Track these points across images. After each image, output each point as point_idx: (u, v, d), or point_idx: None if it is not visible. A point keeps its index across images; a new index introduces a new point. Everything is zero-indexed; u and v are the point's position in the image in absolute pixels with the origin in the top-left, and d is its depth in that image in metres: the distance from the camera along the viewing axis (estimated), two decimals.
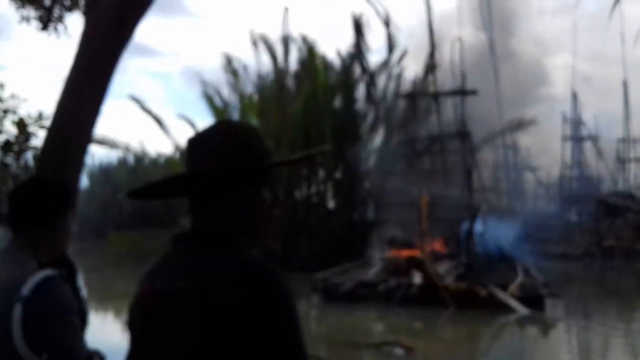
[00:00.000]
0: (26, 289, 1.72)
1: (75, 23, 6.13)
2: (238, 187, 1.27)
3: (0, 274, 1.89)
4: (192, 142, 1.31)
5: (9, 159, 4.15)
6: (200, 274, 1.17)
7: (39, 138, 4.12)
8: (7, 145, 4.12)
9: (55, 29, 6.20)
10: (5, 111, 4.25)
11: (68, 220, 1.95)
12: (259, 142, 1.31)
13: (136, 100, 19.88)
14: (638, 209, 30.74)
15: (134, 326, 1.29)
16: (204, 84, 22.91)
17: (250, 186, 1.28)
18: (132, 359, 1.27)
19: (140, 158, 35.38)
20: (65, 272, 1.85)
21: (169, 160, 27.19)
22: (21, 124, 4.11)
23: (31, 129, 4.17)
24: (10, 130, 4.35)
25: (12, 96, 4.63)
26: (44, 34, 6.03)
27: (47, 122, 4.08)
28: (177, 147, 23.94)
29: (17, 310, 1.68)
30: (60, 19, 5.90)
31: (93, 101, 4.15)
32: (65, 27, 6.24)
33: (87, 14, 4.39)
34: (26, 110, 4.30)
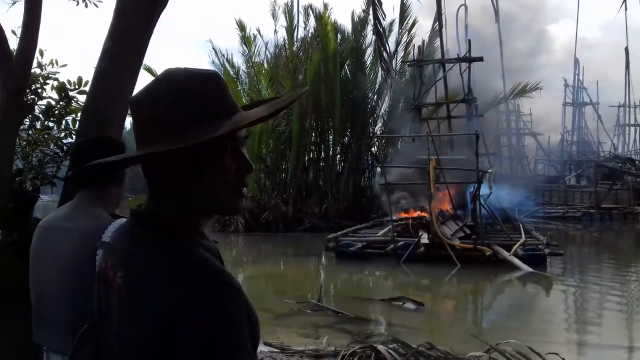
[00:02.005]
0: (107, 235, 1.81)
1: None
2: (194, 159, 1.03)
3: (78, 225, 2.06)
4: (132, 104, 1.07)
5: (51, 124, 4.16)
6: (136, 270, 1.02)
7: (80, 103, 4.11)
8: (49, 110, 4.14)
9: None
10: (47, 77, 4.26)
11: (126, 178, 2.19)
12: (219, 95, 1.05)
13: (148, 69, 20.15)
14: (636, 172, 31.32)
15: (95, 293, 1.17)
16: (215, 51, 23.21)
17: (211, 156, 1.03)
18: (94, 330, 1.16)
19: None
20: None
21: None
22: (62, 89, 4.09)
23: (71, 94, 4.14)
24: (52, 95, 4.37)
25: (52, 62, 4.75)
26: (72, 3, 6.24)
27: (87, 88, 4.10)
28: None
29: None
30: None
31: (130, 66, 4.16)
32: None
33: None
34: (67, 75, 4.20)
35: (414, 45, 22.16)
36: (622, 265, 15.71)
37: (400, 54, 22.76)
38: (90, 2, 6.28)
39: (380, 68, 21.07)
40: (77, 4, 6.19)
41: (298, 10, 23.50)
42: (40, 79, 4.23)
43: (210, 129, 0.99)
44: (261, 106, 1.11)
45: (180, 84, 1.03)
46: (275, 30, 23.55)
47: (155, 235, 1.05)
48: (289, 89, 22.11)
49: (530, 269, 12.62)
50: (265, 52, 23.58)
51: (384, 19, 5.96)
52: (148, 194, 1.10)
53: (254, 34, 23.15)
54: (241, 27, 22.76)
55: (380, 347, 5.65)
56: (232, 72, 23.23)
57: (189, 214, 1.07)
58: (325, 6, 22.34)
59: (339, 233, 16.02)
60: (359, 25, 22.69)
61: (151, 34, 4.44)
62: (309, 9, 23.27)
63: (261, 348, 6.72)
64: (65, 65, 4.27)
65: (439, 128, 18.65)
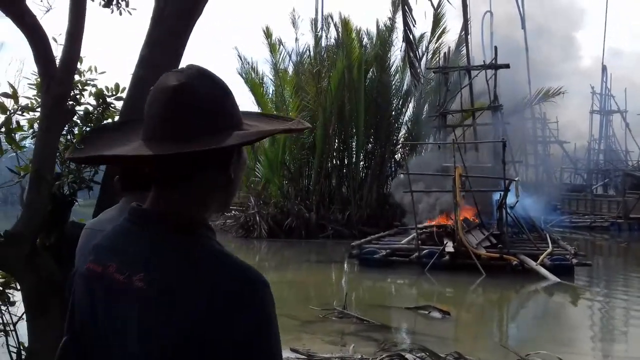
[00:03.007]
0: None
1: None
2: (224, 161, 1.07)
3: None
4: (176, 93, 1.03)
5: (89, 129, 4.13)
6: (166, 271, 1.00)
7: (116, 109, 4.16)
8: (87, 115, 4.16)
9: (118, 5, 6.48)
10: (85, 83, 4.26)
11: None
12: (237, 105, 1.10)
13: None
14: None
15: (78, 299, 1.12)
16: (241, 58, 23.44)
17: (230, 160, 1.07)
18: (75, 330, 1.12)
19: None
20: None
21: None
22: (99, 96, 4.12)
23: (108, 100, 4.16)
24: (89, 101, 4.39)
25: (91, 69, 4.82)
26: (107, 11, 6.34)
27: (123, 94, 4.14)
28: None
29: None
30: None
31: (167, 72, 4.46)
32: (127, 4, 6.51)
33: None
34: (104, 82, 4.37)
35: (439, 52, 22.13)
36: None
37: (425, 60, 22.69)
38: (124, 9, 6.41)
39: (408, 75, 21.16)
40: (112, 12, 6.32)
41: (322, 18, 23.64)
42: (79, 85, 4.31)
43: (239, 135, 1.03)
44: (263, 121, 1.13)
45: (223, 88, 1.07)
46: (296, 39, 23.74)
47: (177, 235, 1.04)
48: (313, 96, 22.20)
49: (558, 279, 12.44)
50: (289, 60, 23.76)
51: (414, 26, 5.97)
52: (156, 193, 1.08)
53: (277, 41, 23.35)
54: (267, 34, 22.95)
55: (408, 356, 5.63)
56: (257, 80, 23.42)
57: (208, 213, 1.10)
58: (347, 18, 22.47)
59: (362, 240, 15.98)
60: (385, 32, 22.71)
61: (187, 41, 4.52)
62: (329, 17, 23.51)
63: (287, 354, 6.73)
64: (104, 72, 4.34)
65: (464, 135, 18.53)
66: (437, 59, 22.03)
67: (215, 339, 0.95)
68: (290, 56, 23.62)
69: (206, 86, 1.05)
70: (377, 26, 23.13)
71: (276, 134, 1.10)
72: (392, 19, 22.22)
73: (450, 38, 22.90)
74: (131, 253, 1.05)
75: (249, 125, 1.08)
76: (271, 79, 23.80)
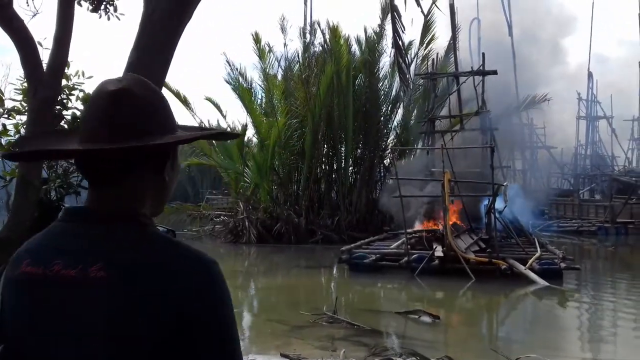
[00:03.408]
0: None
1: (127, 4, 6.34)
2: (153, 165, 1.11)
3: None
4: (114, 97, 1.06)
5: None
6: (124, 258, 1.02)
7: None
8: (74, 120, 4.19)
9: (106, 10, 6.44)
10: (72, 88, 4.31)
11: None
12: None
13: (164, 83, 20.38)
14: None
15: (10, 307, 1.08)
16: (229, 64, 23.40)
17: (164, 164, 1.12)
18: (14, 350, 1.07)
19: None
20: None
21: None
22: (87, 100, 4.22)
23: None
24: (77, 106, 4.47)
25: (78, 73, 4.76)
26: (95, 15, 6.30)
27: None
28: (200, 124, 24.68)
29: None
30: (110, 0, 6.25)
31: (155, 77, 4.16)
32: (115, 9, 6.47)
33: None
34: (91, 87, 4.30)
35: (428, 58, 22.23)
36: (639, 279, 15.52)
37: (414, 67, 22.79)
38: (112, 14, 6.37)
39: (396, 80, 21.24)
40: (100, 17, 6.29)
41: (311, 24, 23.68)
42: (66, 89, 4.27)
43: (171, 137, 1.10)
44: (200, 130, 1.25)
45: (159, 95, 1.14)
46: (285, 44, 23.72)
47: (122, 225, 1.07)
48: (302, 102, 22.20)
49: (546, 283, 12.50)
50: (277, 65, 23.76)
51: (403, 32, 6.00)
52: (93, 192, 1.10)
53: (266, 46, 23.35)
54: (257, 40, 22.94)
55: None
56: (245, 85, 23.39)
57: (161, 207, 1.16)
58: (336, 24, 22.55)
59: (352, 245, 15.97)
60: (374, 38, 22.79)
61: (175, 46, 4.50)
62: (317, 23, 23.59)
63: None
64: (92, 77, 4.32)
65: (453, 141, 18.60)
66: (427, 65, 22.14)
67: (189, 318, 1.00)
68: (279, 62, 23.63)
69: (143, 92, 1.09)
70: (365, 32, 23.24)
71: (207, 138, 1.26)
72: (382, 26, 22.30)
73: (439, 44, 23.03)
74: (78, 248, 1.05)
75: (184, 133, 1.13)
76: (260, 85, 23.79)
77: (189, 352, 1.01)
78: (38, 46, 3.77)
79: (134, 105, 1.07)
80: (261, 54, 23.00)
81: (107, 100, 1.06)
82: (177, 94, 23.11)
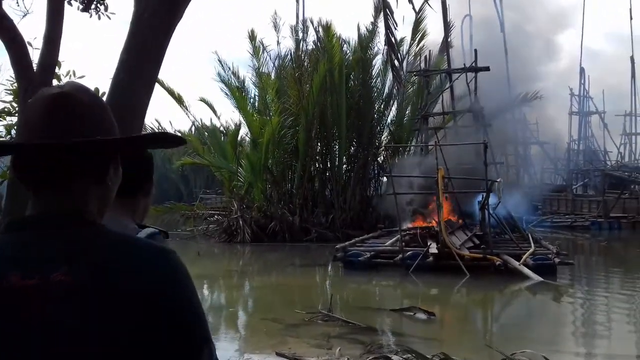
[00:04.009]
0: None
1: (117, 3, 6.27)
2: (96, 172, 1.11)
3: None
4: (56, 101, 1.06)
5: None
6: (94, 260, 1.01)
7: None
8: None
9: (97, 9, 6.38)
10: None
11: (153, 188, 2.13)
12: None
13: (159, 82, 20.27)
14: None
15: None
16: (221, 62, 23.34)
17: (107, 172, 1.13)
18: None
19: None
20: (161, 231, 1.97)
21: (187, 136, 27.71)
22: None
23: None
24: None
25: (69, 73, 4.72)
26: (85, 15, 6.23)
27: (103, 99, 4.27)
28: (193, 123, 24.73)
29: None
30: (101, 0, 5.98)
31: (146, 77, 4.25)
32: (106, 8, 6.41)
33: None
34: None
35: (420, 55, 22.25)
36: (632, 274, 15.61)
37: (405, 64, 22.78)
38: (103, 14, 6.32)
39: (389, 78, 21.26)
40: (90, 16, 6.23)
41: (303, 22, 23.63)
42: None
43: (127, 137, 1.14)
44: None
45: (101, 101, 1.17)
46: (277, 42, 23.67)
47: (76, 228, 1.05)
48: (295, 99, 22.17)
49: (540, 279, 12.55)
50: (270, 63, 23.73)
51: (396, 29, 5.99)
52: (45, 194, 1.07)
53: (260, 45, 23.30)
54: (252, 37, 22.89)
55: (395, 358, 5.64)
56: (237, 84, 23.34)
57: (102, 213, 1.15)
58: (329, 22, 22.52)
59: (347, 243, 15.97)
60: (367, 36, 22.78)
61: (167, 46, 4.47)
62: (310, 20, 23.54)
63: (273, 359, 6.70)
64: (83, 76, 4.30)
65: (446, 137, 18.65)
66: (419, 62, 22.15)
67: (159, 306, 1.01)
68: (272, 60, 23.59)
69: (85, 97, 1.09)
70: (359, 30, 23.23)
71: (150, 144, 1.25)
72: (374, 24, 22.28)
73: (431, 41, 23.04)
74: (34, 256, 1.01)
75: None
76: (253, 83, 23.74)
77: (163, 339, 1.02)
78: (28, 46, 3.74)
79: (74, 110, 1.06)
80: (256, 52, 22.95)
81: (49, 103, 1.06)
82: (171, 92, 23.03)
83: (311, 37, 23.38)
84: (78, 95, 1.08)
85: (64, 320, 0.97)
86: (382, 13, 7.46)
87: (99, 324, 0.98)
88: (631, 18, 41.05)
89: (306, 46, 23.44)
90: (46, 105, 1.06)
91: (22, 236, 1.04)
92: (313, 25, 23.05)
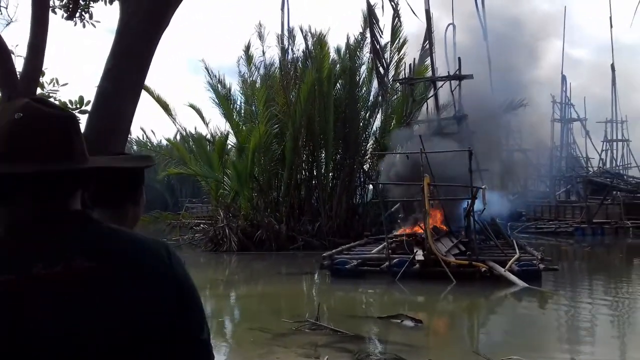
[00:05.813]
0: None
1: (101, 11, 6.20)
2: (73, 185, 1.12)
3: None
4: (24, 113, 1.04)
5: None
6: (101, 250, 1.04)
7: (81, 122, 4.25)
8: None
9: (81, 17, 6.32)
10: (47, 96, 4.29)
11: (144, 197, 2.13)
12: None
13: (147, 89, 20.15)
14: (626, 187, 31.58)
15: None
16: (208, 71, 23.30)
17: (81, 187, 1.14)
18: None
19: (144, 144, 35.08)
20: None
21: (172, 143, 27.56)
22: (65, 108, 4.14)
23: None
24: None
25: (53, 81, 4.65)
26: (70, 23, 6.16)
27: (88, 107, 4.13)
28: (178, 131, 24.62)
29: None
30: (86, 8, 5.93)
31: (132, 85, 4.22)
32: (91, 16, 6.34)
33: (123, 1, 4.38)
34: (67, 94, 4.22)
35: (404, 63, 22.37)
36: (615, 279, 15.78)
37: (391, 72, 22.89)
38: (88, 22, 6.26)
39: (374, 85, 21.35)
40: (75, 24, 6.17)
41: (289, 31, 23.65)
42: None
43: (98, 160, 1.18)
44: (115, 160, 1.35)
45: (69, 114, 1.15)
46: (263, 52, 23.68)
47: (88, 223, 1.09)
48: (282, 107, 22.16)
49: (526, 285, 12.62)
50: (256, 72, 23.74)
51: (381, 37, 6.03)
52: (32, 199, 1.06)
53: (252, 55, 23.33)
54: (247, 50, 22.95)
55: None
56: (224, 92, 23.30)
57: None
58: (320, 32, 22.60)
59: (333, 251, 15.95)
60: (355, 46, 22.89)
61: (153, 53, 4.43)
62: (300, 28, 23.61)
63: None
64: (66, 84, 4.25)
65: (432, 144, 18.72)
66: (403, 70, 22.26)
67: (177, 285, 1.08)
68: (257, 68, 23.60)
69: (51, 111, 1.07)
70: (348, 39, 23.32)
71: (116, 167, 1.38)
72: (363, 34, 22.33)
73: (415, 49, 23.18)
74: (50, 249, 1.02)
75: (97, 159, 1.16)
76: (239, 91, 23.71)
77: (166, 333, 1.06)
78: (11, 54, 3.70)
79: (42, 124, 1.04)
80: (248, 61, 22.98)
81: (14, 117, 1.03)
82: (157, 99, 22.91)
83: (298, 45, 23.47)
84: (43, 108, 1.06)
85: (66, 314, 0.98)
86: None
87: (127, 306, 1.02)
88: (611, 26, 41.83)
89: (293, 54, 23.50)
90: (11, 121, 1.03)
91: (27, 235, 1.05)
92: (302, 33, 23.10)
